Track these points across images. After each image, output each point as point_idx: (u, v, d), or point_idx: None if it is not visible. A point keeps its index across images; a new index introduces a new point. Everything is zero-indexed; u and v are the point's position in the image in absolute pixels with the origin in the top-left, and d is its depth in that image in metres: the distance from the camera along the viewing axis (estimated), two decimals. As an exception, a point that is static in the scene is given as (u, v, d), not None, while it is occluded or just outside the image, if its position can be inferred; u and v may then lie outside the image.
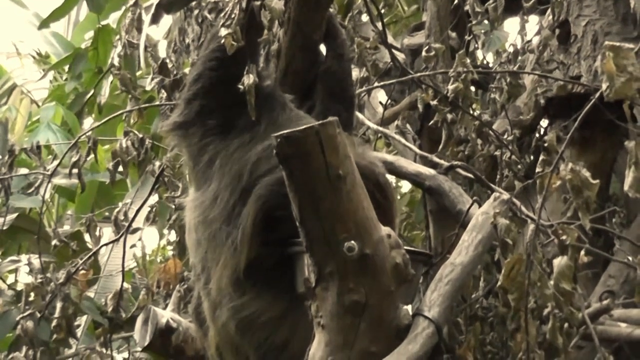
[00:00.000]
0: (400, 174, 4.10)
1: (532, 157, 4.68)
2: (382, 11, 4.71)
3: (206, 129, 3.43)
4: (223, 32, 3.29)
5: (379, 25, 4.32)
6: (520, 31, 4.76)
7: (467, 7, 4.55)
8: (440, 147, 4.32)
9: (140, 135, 4.74)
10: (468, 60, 4.15)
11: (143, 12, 4.84)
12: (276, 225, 3.16)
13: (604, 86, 2.89)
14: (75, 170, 4.74)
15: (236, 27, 3.29)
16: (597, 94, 3.00)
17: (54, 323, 4.58)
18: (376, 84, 4.70)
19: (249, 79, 3.26)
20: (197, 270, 3.43)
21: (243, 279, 3.23)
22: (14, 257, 5.76)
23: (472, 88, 4.55)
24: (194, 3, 4.77)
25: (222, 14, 3.41)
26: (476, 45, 4.78)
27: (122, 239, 4.75)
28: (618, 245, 4.31)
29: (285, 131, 2.78)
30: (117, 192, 6.57)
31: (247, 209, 3.21)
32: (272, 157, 3.15)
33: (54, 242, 4.98)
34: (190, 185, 3.58)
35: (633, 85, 2.89)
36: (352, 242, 2.82)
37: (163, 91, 4.74)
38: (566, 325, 3.02)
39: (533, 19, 5.13)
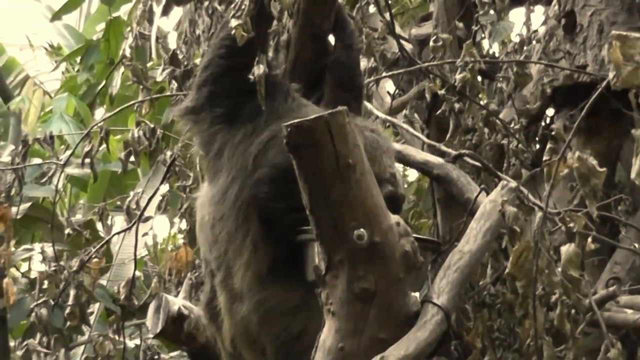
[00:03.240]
0: (409, 163, 4.11)
1: (538, 146, 4.70)
2: (390, 2, 4.73)
3: (214, 115, 3.44)
4: (233, 23, 3.30)
5: (387, 16, 4.34)
6: (526, 21, 4.77)
7: (473, -2, 4.57)
8: (448, 136, 4.33)
9: (152, 126, 4.78)
10: (475, 50, 4.17)
11: (154, 4, 4.87)
12: (281, 217, 3.20)
13: (611, 75, 2.89)
14: (87, 160, 4.78)
15: (246, 17, 3.31)
16: (604, 83, 3.01)
17: (67, 310, 4.63)
18: (384, 73, 4.74)
19: (259, 69, 3.26)
20: (212, 266, 3.44)
21: (267, 274, 3.27)
22: (27, 246, 5.82)
23: (479, 78, 4.57)
24: (204, -5, 4.80)
25: (232, 5, 3.43)
26: (483, 36, 4.79)
27: (134, 228, 4.80)
28: (624, 232, 4.32)
29: (295, 120, 2.80)
30: (129, 181, 6.63)
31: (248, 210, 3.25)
32: (269, 151, 3.21)
33: (67, 230, 5.01)
34: (202, 174, 3.60)
35: (639, 74, 2.91)
36: (362, 230, 2.84)
37: (174, 82, 4.77)
38: (573, 312, 3.04)
39: (539, 9, 5.15)
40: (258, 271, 3.27)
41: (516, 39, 4.81)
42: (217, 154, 3.41)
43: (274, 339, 3.31)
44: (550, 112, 4.86)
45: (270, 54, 3.66)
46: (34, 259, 6.21)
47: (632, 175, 2.99)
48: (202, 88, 3.49)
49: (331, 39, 3.73)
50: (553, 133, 3.26)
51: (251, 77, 3.27)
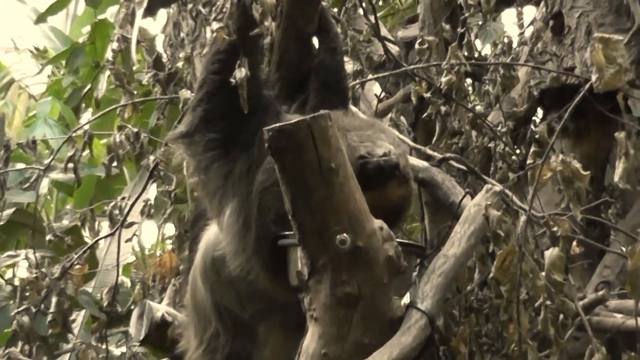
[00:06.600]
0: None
1: (527, 149, 4.67)
2: (379, 4, 4.71)
3: (208, 139, 3.36)
4: (215, 25, 3.28)
5: (372, 18, 4.32)
6: (517, 23, 4.76)
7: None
8: (435, 139, 4.31)
9: (135, 130, 4.75)
10: (461, 53, 4.16)
11: (136, 7, 4.85)
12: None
13: (594, 77, 2.91)
14: (70, 165, 4.75)
15: (228, 20, 3.28)
16: (587, 85, 3.02)
17: (49, 318, 4.60)
18: (370, 76, 4.71)
19: (240, 73, 3.22)
20: (242, 318, 3.48)
21: None
22: (11, 252, 5.78)
23: (469, 80, 4.55)
24: (188, -4, 4.79)
25: (214, 8, 3.40)
26: (469, 38, 4.77)
27: (117, 233, 4.76)
28: (613, 236, 4.31)
29: (277, 124, 2.80)
30: (117, 186, 6.59)
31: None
32: (270, 199, 3.16)
33: (48, 237, 4.99)
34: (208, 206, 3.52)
35: (622, 77, 2.92)
36: (345, 234, 2.84)
37: (158, 85, 4.75)
38: (562, 316, 3.04)
39: (530, 11, 5.13)
40: None
41: (505, 41, 4.79)
42: (220, 191, 3.36)
43: None
44: (539, 114, 4.84)
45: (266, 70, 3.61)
46: (20, 265, 6.17)
47: (616, 178, 3.00)
48: (197, 108, 3.41)
49: (315, 41, 3.72)
50: (537, 136, 3.25)
51: (232, 80, 3.22)
